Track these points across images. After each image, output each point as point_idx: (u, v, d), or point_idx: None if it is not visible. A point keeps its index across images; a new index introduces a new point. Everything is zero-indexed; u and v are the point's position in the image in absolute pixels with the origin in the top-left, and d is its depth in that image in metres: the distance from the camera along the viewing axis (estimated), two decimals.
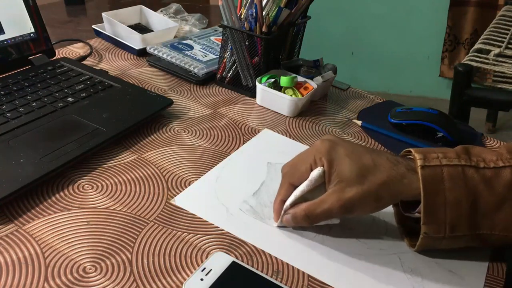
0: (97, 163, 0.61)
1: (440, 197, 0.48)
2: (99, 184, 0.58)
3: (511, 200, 0.48)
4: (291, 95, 0.77)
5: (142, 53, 0.93)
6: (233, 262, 0.48)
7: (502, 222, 0.48)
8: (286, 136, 0.73)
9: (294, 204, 0.52)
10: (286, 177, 0.54)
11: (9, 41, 0.77)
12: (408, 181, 0.49)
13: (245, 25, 0.80)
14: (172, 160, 0.64)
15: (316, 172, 0.50)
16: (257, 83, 0.79)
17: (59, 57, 0.86)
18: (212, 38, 1.01)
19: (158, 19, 1.05)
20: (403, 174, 0.49)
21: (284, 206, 0.53)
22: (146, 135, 0.69)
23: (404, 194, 0.50)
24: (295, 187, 0.52)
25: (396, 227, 0.56)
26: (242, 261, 0.49)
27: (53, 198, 0.55)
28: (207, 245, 0.51)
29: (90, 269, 0.47)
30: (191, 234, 0.52)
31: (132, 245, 0.50)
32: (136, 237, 0.51)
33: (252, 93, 0.84)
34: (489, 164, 0.49)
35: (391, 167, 0.50)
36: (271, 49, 0.83)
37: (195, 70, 0.86)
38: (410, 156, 0.51)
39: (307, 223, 0.52)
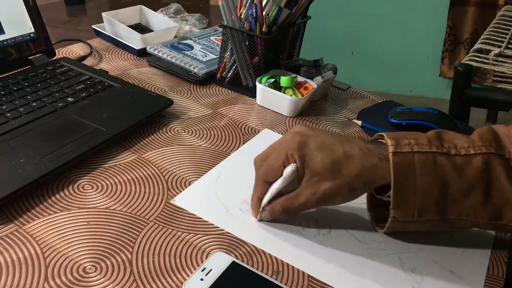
0: (97, 163, 0.61)
1: (410, 183, 0.48)
2: (99, 184, 0.58)
3: (479, 187, 0.48)
4: (291, 95, 0.77)
5: (142, 53, 0.93)
6: (233, 262, 0.48)
7: (470, 208, 0.49)
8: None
9: (270, 200, 0.53)
10: (260, 175, 0.54)
11: (9, 41, 0.77)
12: (381, 170, 0.49)
13: (245, 25, 0.80)
14: (172, 160, 0.64)
15: (289, 169, 0.51)
16: (257, 83, 0.79)
17: (59, 57, 0.86)
18: (212, 38, 1.01)
19: (158, 19, 1.05)
20: (375, 164, 0.49)
21: (262, 204, 0.54)
22: (146, 135, 0.68)
23: (377, 183, 0.51)
24: (270, 184, 0.53)
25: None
26: (242, 261, 0.49)
27: (53, 198, 0.55)
28: (207, 245, 0.51)
29: (90, 269, 0.47)
30: (191, 234, 0.52)
31: (132, 245, 0.50)
32: (136, 237, 0.51)
33: (252, 93, 0.84)
34: (460, 151, 0.49)
35: (363, 157, 0.50)
36: (271, 49, 0.83)
37: (195, 70, 0.86)
38: (382, 140, 0.52)
39: (284, 217, 0.54)
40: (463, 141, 0.50)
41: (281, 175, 0.52)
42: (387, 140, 0.50)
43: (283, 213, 0.53)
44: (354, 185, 0.50)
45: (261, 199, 0.54)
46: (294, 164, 0.51)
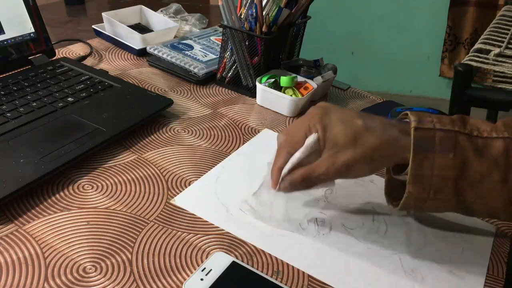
0: (97, 163, 0.61)
1: (429, 158, 0.48)
2: (99, 184, 0.58)
3: (498, 170, 0.48)
4: (291, 95, 0.77)
5: (142, 53, 0.93)
6: (233, 262, 0.48)
7: (487, 191, 0.48)
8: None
9: (291, 170, 0.53)
10: (282, 146, 0.54)
11: (9, 41, 0.77)
12: (401, 143, 0.49)
13: (245, 25, 0.80)
14: (172, 160, 0.64)
15: (311, 139, 0.52)
16: (257, 83, 0.79)
17: (59, 57, 0.86)
18: (212, 38, 1.01)
19: (158, 19, 1.05)
20: (396, 137, 0.50)
21: (282, 174, 0.53)
22: (146, 135, 0.68)
23: (397, 157, 0.51)
24: (291, 154, 0.53)
25: (397, 227, 0.56)
26: (242, 261, 0.49)
27: (53, 198, 0.55)
28: (207, 245, 0.51)
29: (90, 269, 0.47)
30: (191, 234, 0.52)
31: (132, 245, 0.50)
32: (136, 237, 0.51)
33: (252, 93, 0.83)
34: (483, 134, 0.49)
35: (384, 130, 0.50)
36: (271, 49, 0.83)
37: (195, 70, 0.86)
38: (407, 119, 0.51)
39: (304, 187, 0.53)
40: (487, 125, 0.50)
41: (303, 145, 0.52)
42: (410, 116, 0.50)
43: (303, 183, 0.53)
44: (373, 156, 0.50)
45: (281, 169, 0.54)
46: (316, 134, 0.51)
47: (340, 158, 0.51)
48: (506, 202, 0.48)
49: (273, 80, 0.79)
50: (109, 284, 0.45)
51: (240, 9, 0.81)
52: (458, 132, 0.49)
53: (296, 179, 0.53)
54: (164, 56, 0.89)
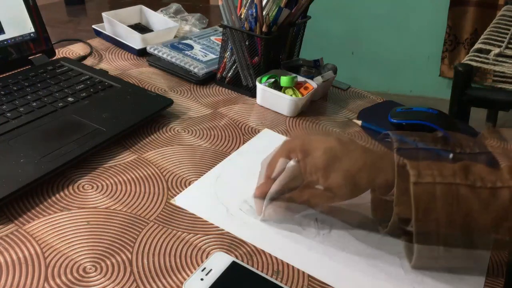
0: (97, 163, 0.61)
1: (432, 215, 0.47)
2: (99, 184, 0.58)
3: (508, 220, 0.46)
4: (291, 95, 0.77)
5: (142, 53, 0.93)
6: (233, 262, 0.48)
7: (498, 241, 0.48)
8: (286, 136, 0.73)
9: (274, 197, 0.54)
10: (263, 171, 0.56)
11: (9, 41, 0.77)
12: (383, 163, 0.50)
13: (245, 25, 0.80)
14: (172, 160, 0.64)
15: (291, 163, 0.53)
16: (257, 83, 0.79)
17: (59, 57, 0.86)
18: (212, 38, 1.01)
19: (158, 19, 1.05)
20: (378, 157, 0.50)
21: (265, 202, 0.54)
22: (146, 135, 0.68)
23: (380, 178, 0.50)
24: (273, 180, 0.54)
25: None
26: (242, 261, 0.49)
27: (53, 198, 0.55)
28: (207, 245, 0.51)
29: (90, 269, 0.47)
30: (191, 234, 0.52)
31: (132, 245, 0.50)
32: (136, 237, 0.51)
33: (252, 93, 0.83)
34: (486, 184, 0.47)
35: (365, 152, 0.51)
36: (271, 49, 0.83)
37: (195, 70, 0.86)
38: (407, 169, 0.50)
39: (288, 214, 0.55)
40: (491, 174, 0.48)
41: (283, 170, 0.53)
42: (409, 170, 0.48)
43: (287, 210, 0.54)
44: (356, 178, 0.50)
45: (263, 194, 0.55)
46: (296, 159, 0.52)
47: (322, 183, 0.51)
48: None
49: (273, 80, 0.79)
50: (109, 284, 0.45)
51: (240, 9, 0.81)
52: (460, 185, 0.47)
53: (280, 207, 0.54)
54: (164, 56, 0.89)
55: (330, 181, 0.50)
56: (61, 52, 0.92)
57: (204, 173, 0.62)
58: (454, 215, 0.47)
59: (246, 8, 0.80)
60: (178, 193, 0.58)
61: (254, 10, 0.78)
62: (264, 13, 0.80)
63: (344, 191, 0.51)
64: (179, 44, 0.94)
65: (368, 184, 0.51)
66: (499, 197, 0.46)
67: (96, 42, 0.98)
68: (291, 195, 0.53)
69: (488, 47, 1.37)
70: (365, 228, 0.56)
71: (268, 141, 0.71)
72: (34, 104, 0.67)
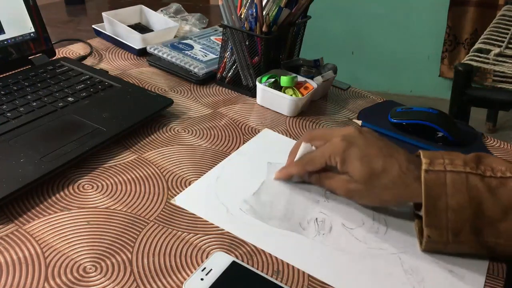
0: (97, 163, 0.61)
1: (442, 201, 0.49)
2: (99, 184, 0.58)
3: None
4: (291, 95, 0.77)
5: (142, 53, 0.93)
6: (233, 262, 0.48)
7: (507, 231, 0.48)
8: (286, 136, 0.73)
9: (294, 180, 0.61)
10: (302, 162, 0.59)
11: (9, 41, 0.77)
12: (412, 189, 0.51)
13: (245, 25, 0.80)
14: (172, 160, 0.64)
15: (312, 149, 0.59)
16: (257, 83, 0.79)
17: (59, 57, 0.86)
18: (212, 38, 1.01)
19: (158, 19, 1.05)
20: (408, 183, 0.51)
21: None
22: (146, 135, 0.68)
23: (409, 201, 0.55)
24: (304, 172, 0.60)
25: (397, 227, 0.56)
26: (242, 261, 0.49)
27: (53, 198, 0.55)
28: (207, 245, 0.51)
29: (90, 269, 0.47)
30: (191, 234, 0.52)
31: (132, 245, 0.50)
32: (136, 237, 0.51)
33: (252, 93, 0.83)
34: (496, 174, 0.49)
35: (399, 175, 0.52)
36: (271, 49, 0.83)
37: (195, 70, 0.86)
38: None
39: (312, 179, 0.60)
40: (501, 164, 0.50)
41: (320, 168, 0.57)
42: (422, 158, 0.51)
43: (316, 178, 0.59)
44: (384, 198, 0.54)
45: (284, 177, 0.61)
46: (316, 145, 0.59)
47: (351, 187, 0.55)
48: None
49: (273, 80, 0.79)
50: (109, 284, 0.45)
51: (240, 9, 0.81)
52: (470, 173, 0.49)
53: (311, 177, 0.60)
54: (164, 56, 0.89)
55: (347, 164, 0.54)
56: (61, 52, 0.92)
57: (204, 173, 0.62)
58: (463, 203, 0.48)
59: (246, 8, 0.80)
60: (178, 193, 0.58)
61: (254, 10, 0.78)
62: (264, 13, 0.80)
63: (361, 174, 0.53)
64: (179, 44, 0.94)
65: (383, 171, 0.52)
66: (508, 186, 0.48)
67: (96, 42, 0.98)
68: (311, 179, 0.59)
69: (488, 47, 1.38)
70: (365, 228, 0.56)
71: (268, 141, 0.71)
72: (34, 104, 0.67)
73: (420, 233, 0.54)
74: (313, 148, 0.59)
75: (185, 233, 0.52)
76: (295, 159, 0.60)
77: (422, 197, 0.49)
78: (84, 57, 0.90)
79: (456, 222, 0.49)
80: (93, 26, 1.01)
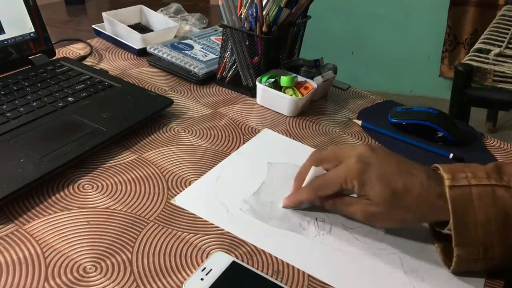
0: (97, 163, 0.61)
1: (470, 217, 0.47)
2: (99, 184, 0.58)
3: None
4: (291, 95, 0.77)
5: (142, 53, 0.93)
6: (233, 262, 0.48)
7: None
8: (287, 136, 0.73)
9: (305, 206, 0.57)
10: (314, 187, 0.55)
11: (9, 41, 0.77)
12: (437, 209, 0.49)
13: (245, 25, 0.80)
14: (172, 160, 0.64)
15: (322, 173, 0.55)
16: (257, 83, 0.79)
17: (59, 56, 0.86)
18: (212, 38, 1.01)
19: (158, 19, 1.05)
20: (433, 202, 0.49)
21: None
22: (146, 135, 0.68)
23: (433, 220, 0.52)
24: (304, 190, 0.56)
25: (396, 227, 0.56)
26: (242, 261, 0.49)
27: (53, 198, 0.55)
28: (207, 245, 0.51)
29: (90, 269, 0.47)
30: (191, 234, 0.52)
31: (132, 245, 0.50)
32: (136, 237, 0.51)
33: (252, 93, 0.83)
34: None
35: (422, 193, 0.49)
36: (271, 49, 0.83)
37: (195, 70, 0.86)
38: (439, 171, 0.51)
39: (326, 205, 0.56)
40: None
41: (333, 192, 0.53)
42: (443, 173, 0.49)
43: (330, 205, 0.55)
44: (407, 218, 0.51)
45: (293, 204, 0.57)
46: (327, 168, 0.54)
47: (371, 210, 0.51)
48: None
49: (273, 80, 0.79)
50: (109, 284, 0.45)
51: (240, 9, 0.81)
52: (495, 186, 0.48)
53: (327, 201, 0.55)
54: (164, 56, 0.89)
55: (366, 188, 0.51)
56: (61, 52, 0.91)
57: (204, 173, 0.62)
58: (491, 215, 0.47)
59: (246, 8, 0.80)
60: (178, 193, 0.58)
61: (254, 10, 0.78)
62: (264, 13, 0.80)
63: (382, 197, 0.50)
64: (179, 44, 0.94)
65: (405, 190, 0.50)
66: None
67: (96, 42, 0.98)
68: (325, 204, 0.55)
69: (488, 47, 1.38)
70: (365, 228, 0.56)
71: (268, 141, 0.71)
72: (34, 104, 0.67)
73: (443, 253, 0.52)
74: (323, 171, 0.55)
75: (185, 233, 0.52)
76: (304, 184, 0.56)
77: (447, 215, 0.48)
78: (84, 57, 0.90)
79: (485, 236, 0.47)
80: (93, 26, 1.01)
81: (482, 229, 0.47)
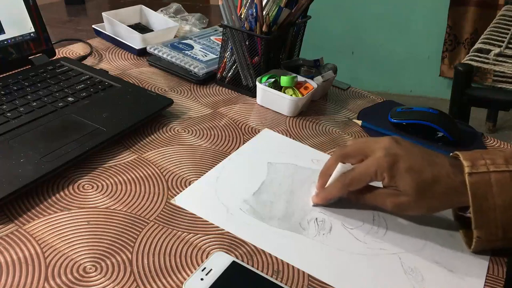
0: (97, 163, 0.61)
1: (489, 202, 0.50)
2: (99, 184, 0.58)
3: None
4: (291, 95, 0.77)
5: (142, 52, 0.93)
6: (233, 262, 0.48)
7: None
8: (286, 136, 0.73)
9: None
10: (345, 182, 0.55)
11: (9, 41, 0.77)
12: (460, 196, 0.51)
13: (245, 25, 0.80)
14: (172, 160, 0.64)
15: (349, 168, 0.56)
16: (257, 83, 0.79)
17: (59, 56, 0.86)
18: (212, 37, 1.01)
19: (158, 19, 1.05)
20: (457, 189, 0.51)
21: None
22: (146, 135, 0.68)
23: (456, 206, 0.55)
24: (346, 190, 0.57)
25: (397, 227, 0.56)
26: (242, 261, 0.49)
27: (53, 198, 0.55)
28: (207, 245, 0.51)
29: (90, 269, 0.47)
30: (191, 234, 0.52)
31: (132, 245, 0.50)
32: (136, 237, 0.51)
33: (252, 93, 0.83)
34: None
35: (448, 182, 0.52)
36: (271, 49, 0.83)
37: (195, 70, 0.86)
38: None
39: (352, 197, 0.57)
40: None
41: (363, 185, 0.55)
42: (463, 161, 0.52)
43: (356, 196, 0.57)
44: (434, 206, 0.54)
45: (323, 202, 0.58)
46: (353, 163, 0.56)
47: (401, 200, 0.54)
48: None
49: (273, 80, 0.79)
50: (109, 284, 0.45)
51: (240, 8, 0.81)
52: None
53: (350, 194, 0.57)
54: (164, 56, 0.89)
55: (396, 179, 0.53)
56: (61, 52, 0.91)
57: (204, 173, 0.62)
58: (510, 200, 0.49)
59: (246, 8, 0.80)
60: (178, 193, 0.58)
61: (254, 10, 0.78)
62: (264, 13, 0.80)
63: (413, 187, 0.52)
64: (179, 44, 0.94)
65: (434, 180, 0.52)
66: None
67: (96, 42, 0.98)
68: (351, 196, 0.57)
69: (488, 47, 1.38)
70: (365, 228, 0.56)
71: (268, 141, 0.71)
72: (34, 104, 0.67)
73: (465, 235, 0.55)
74: (350, 166, 0.56)
75: (185, 233, 0.52)
76: (331, 180, 0.57)
77: (469, 200, 0.50)
78: (84, 57, 0.90)
79: (504, 220, 0.50)
80: (93, 26, 1.01)
81: (500, 212, 0.49)
